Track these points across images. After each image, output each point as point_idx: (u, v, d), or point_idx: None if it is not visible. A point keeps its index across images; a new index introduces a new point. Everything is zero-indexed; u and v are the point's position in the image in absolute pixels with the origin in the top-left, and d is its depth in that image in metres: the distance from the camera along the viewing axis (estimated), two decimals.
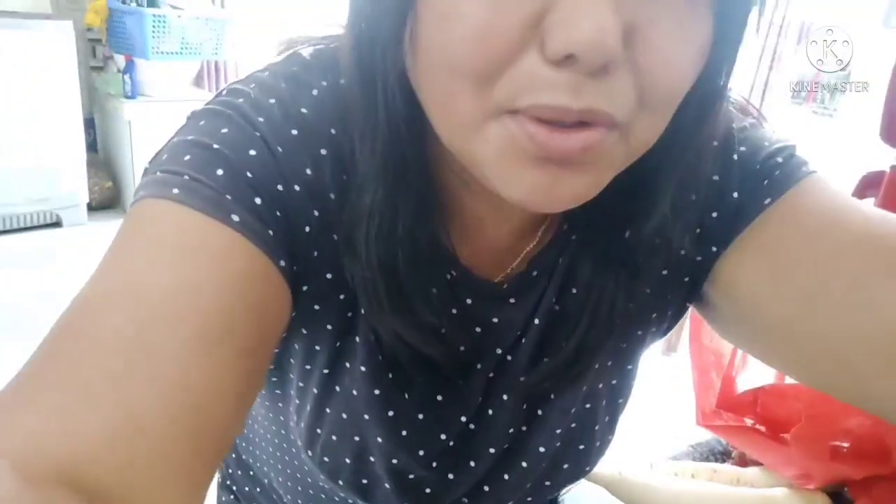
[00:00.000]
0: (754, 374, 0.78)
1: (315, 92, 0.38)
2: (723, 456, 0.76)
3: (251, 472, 0.62)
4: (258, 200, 0.34)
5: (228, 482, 0.66)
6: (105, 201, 3.28)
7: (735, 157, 0.41)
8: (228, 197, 0.33)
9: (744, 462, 0.73)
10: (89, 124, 3.29)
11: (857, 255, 0.37)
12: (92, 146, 3.34)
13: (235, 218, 0.32)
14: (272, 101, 0.36)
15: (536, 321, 0.43)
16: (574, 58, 0.26)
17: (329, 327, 0.41)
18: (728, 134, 0.41)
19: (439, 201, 0.39)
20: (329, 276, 0.39)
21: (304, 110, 0.37)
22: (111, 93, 3.13)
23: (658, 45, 0.28)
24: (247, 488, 0.64)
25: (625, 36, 0.27)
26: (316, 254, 0.37)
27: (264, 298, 0.34)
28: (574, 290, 0.42)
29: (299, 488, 0.55)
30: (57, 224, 3.04)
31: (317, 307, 0.40)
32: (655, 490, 0.65)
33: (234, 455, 0.64)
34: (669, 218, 0.37)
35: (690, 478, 0.68)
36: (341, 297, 0.40)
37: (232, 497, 0.66)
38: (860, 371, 0.37)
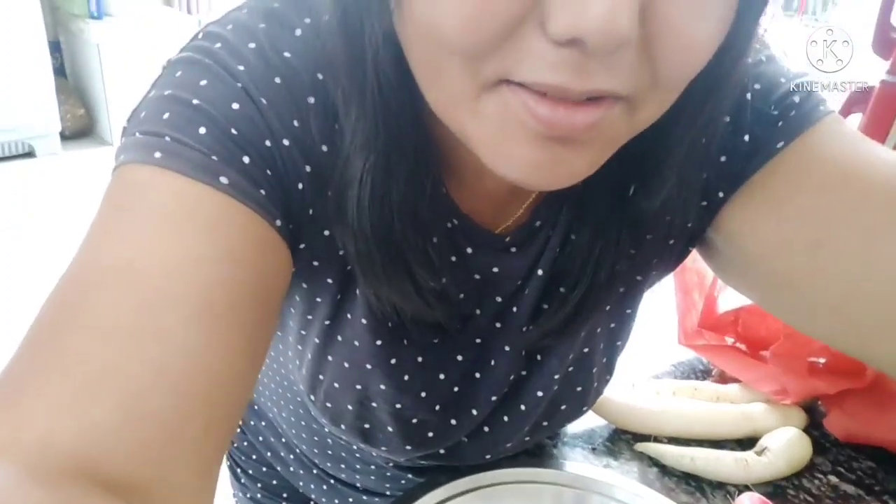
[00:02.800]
0: (735, 294, 0.79)
1: (298, 32, 0.34)
2: (703, 374, 0.78)
3: (255, 407, 0.63)
4: (246, 159, 0.32)
5: None
6: (79, 130, 3.18)
7: (748, 95, 0.38)
8: (215, 158, 0.31)
9: (724, 379, 0.75)
10: (55, 48, 3.15)
11: (870, 208, 0.35)
12: (60, 71, 3.21)
13: (224, 180, 0.30)
14: (252, 45, 0.33)
15: (539, 272, 0.42)
16: (581, 41, 0.23)
17: (329, 281, 0.40)
18: (742, 71, 0.38)
19: (435, 154, 0.37)
20: (326, 232, 0.37)
21: (287, 54, 0.34)
22: (75, 13, 2.97)
23: (675, 24, 0.25)
24: (252, 422, 0.65)
25: (640, 12, 0.23)
26: (311, 212, 0.36)
27: (264, 262, 0.32)
28: (577, 240, 0.41)
29: (303, 423, 0.56)
30: (30, 154, 2.96)
31: (316, 263, 0.39)
32: (638, 408, 0.67)
33: None
34: (676, 189, 0.36)
35: (672, 396, 0.70)
36: (340, 252, 0.38)
37: (239, 430, 0.67)
38: (863, 326, 0.36)
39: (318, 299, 0.41)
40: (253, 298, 0.31)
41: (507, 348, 0.46)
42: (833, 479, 0.64)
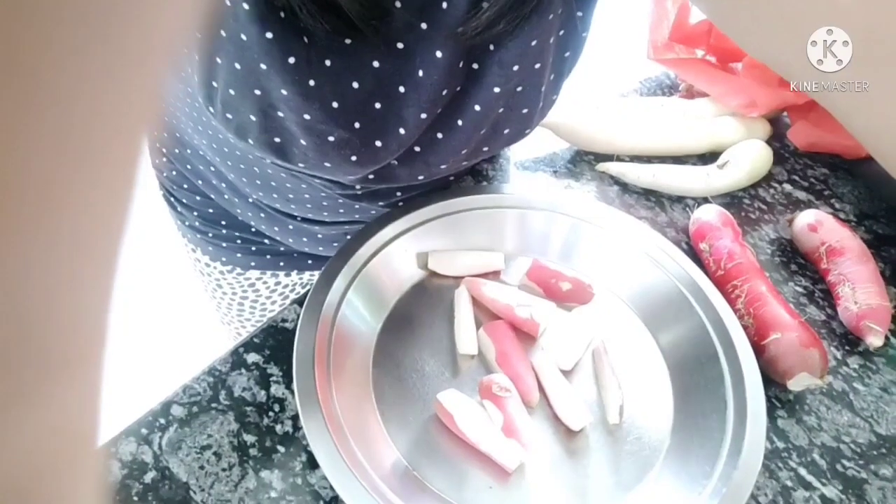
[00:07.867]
0: None
1: None
2: (671, 90, 0.75)
3: (177, 135, 0.58)
4: None
5: (158, 144, 0.63)
6: None
7: None
8: None
9: (691, 95, 0.72)
10: None
11: None
12: None
13: None
14: None
15: None
16: None
17: None
18: None
19: None
20: None
21: None
22: None
23: None
24: (177, 150, 0.60)
25: None
26: None
27: None
28: None
29: (225, 149, 0.52)
30: None
31: None
32: (601, 128, 0.65)
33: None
34: None
35: (637, 113, 0.67)
36: None
37: (165, 160, 0.63)
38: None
39: None
40: None
41: (438, 55, 0.39)
42: (787, 186, 0.65)
